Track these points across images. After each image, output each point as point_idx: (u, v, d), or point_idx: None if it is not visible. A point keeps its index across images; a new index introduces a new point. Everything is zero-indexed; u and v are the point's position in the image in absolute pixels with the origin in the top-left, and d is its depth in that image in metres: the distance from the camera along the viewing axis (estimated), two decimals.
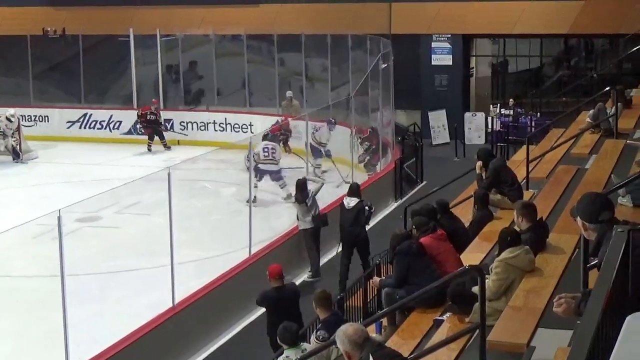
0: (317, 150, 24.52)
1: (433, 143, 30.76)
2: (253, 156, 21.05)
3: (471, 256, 11.55)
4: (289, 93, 30.57)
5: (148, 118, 28.97)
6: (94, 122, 31.78)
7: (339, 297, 14.15)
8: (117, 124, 31.54)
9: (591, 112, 16.91)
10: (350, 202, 17.72)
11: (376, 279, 12.54)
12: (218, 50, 32.78)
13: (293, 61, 32.09)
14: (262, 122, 27.83)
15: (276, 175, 22.22)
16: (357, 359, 6.55)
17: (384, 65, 25.83)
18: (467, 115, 31.18)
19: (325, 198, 19.33)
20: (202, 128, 30.88)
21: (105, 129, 31.71)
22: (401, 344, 9.55)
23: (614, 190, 9.79)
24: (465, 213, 14.08)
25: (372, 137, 25.28)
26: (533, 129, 26.37)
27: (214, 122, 30.84)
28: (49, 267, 13.95)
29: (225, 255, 17.71)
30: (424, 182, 25.10)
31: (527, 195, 13.57)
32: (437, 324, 9.92)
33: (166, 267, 14.91)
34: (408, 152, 25.93)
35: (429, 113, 31.37)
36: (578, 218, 6.22)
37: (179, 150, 28.87)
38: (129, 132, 31.26)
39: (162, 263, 15.29)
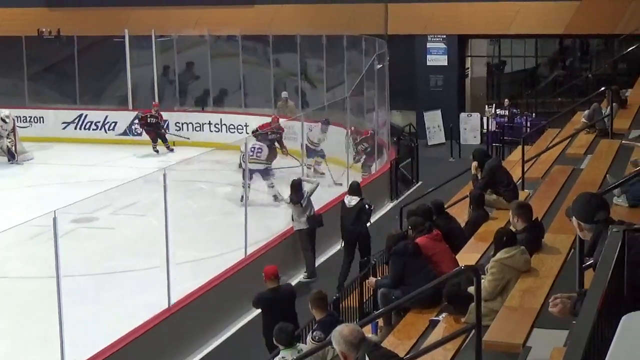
0: (311, 151, 24.53)
1: (428, 143, 30.77)
2: (242, 156, 21.14)
3: (467, 256, 11.56)
4: (284, 94, 30.58)
5: (149, 121, 28.83)
6: (89, 123, 31.74)
7: (335, 297, 14.13)
8: (113, 124, 31.50)
9: (586, 112, 16.92)
10: (352, 200, 17.78)
11: (372, 279, 12.55)
12: (213, 51, 32.76)
13: (288, 62, 32.09)
14: (258, 123, 27.79)
15: (265, 175, 22.20)
16: (353, 359, 6.55)
17: (379, 66, 25.83)
18: (463, 115, 31.20)
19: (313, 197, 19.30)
20: (198, 129, 30.85)
21: (100, 130, 31.67)
22: (397, 345, 9.56)
23: (609, 191, 9.80)
24: (460, 213, 14.08)
25: (370, 139, 25.27)
26: (528, 129, 26.42)
27: (209, 123, 30.82)
28: (44, 268, 13.93)
29: (220, 256, 17.71)
30: (420, 183, 25.11)
31: (522, 195, 13.58)
32: (433, 324, 9.93)
33: (162, 268, 14.91)
34: (404, 152, 25.94)
35: (424, 113, 31.37)
36: (573, 218, 6.22)
37: (175, 151, 28.83)
38: (125, 133, 31.24)
39: (158, 264, 15.29)
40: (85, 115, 31.85)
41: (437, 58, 31.83)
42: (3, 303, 16.06)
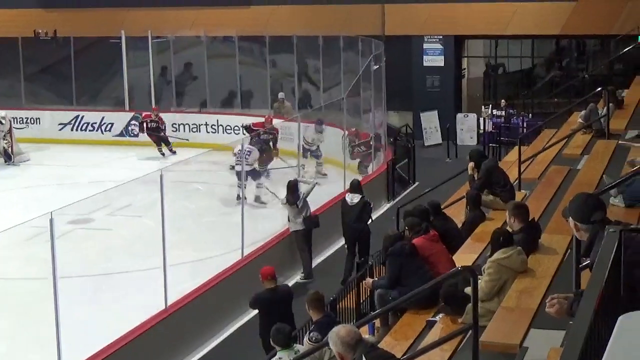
0: (305, 150, 24.53)
1: (425, 144, 30.78)
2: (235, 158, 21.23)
3: (464, 257, 11.56)
4: (281, 94, 30.58)
5: (148, 126, 28.68)
6: (86, 124, 31.72)
7: (332, 298, 14.13)
8: (109, 126, 31.48)
9: (583, 112, 16.92)
10: (354, 198, 17.86)
11: (369, 280, 12.55)
12: (209, 51, 32.75)
13: (285, 63, 32.09)
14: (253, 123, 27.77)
15: (253, 177, 22.14)
16: None
17: (376, 67, 25.83)
18: (459, 116, 31.21)
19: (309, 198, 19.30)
20: (194, 130, 30.84)
21: (97, 131, 31.65)
22: (394, 345, 9.56)
23: (605, 191, 9.80)
24: (457, 214, 14.09)
25: (368, 144, 25.26)
26: (525, 129, 26.40)
27: (206, 124, 30.82)
28: (42, 269, 13.92)
29: (217, 257, 17.71)
30: (417, 183, 25.12)
31: (519, 196, 13.58)
32: (430, 324, 9.94)
33: (158, 269, 14.90)
34: (400, 153, 25.95)
35: (421, 114, 31.39)
36: (570, 219, 6.23)
37: (165, 149, 28.77)
38: (121, 134, 31.22)
39: (155, 265, 15.28)
40: (82, 117, 31.83)
41: (434, 59, 31.85)
42: (1, 304, 16.04)
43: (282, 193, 18.91)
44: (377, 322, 11.08)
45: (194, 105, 33.16)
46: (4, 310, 15.74)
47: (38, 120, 32.09)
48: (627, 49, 27.81)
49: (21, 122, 31.53)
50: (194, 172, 24.44)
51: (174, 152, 28.63)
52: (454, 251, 11.94)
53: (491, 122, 29.30)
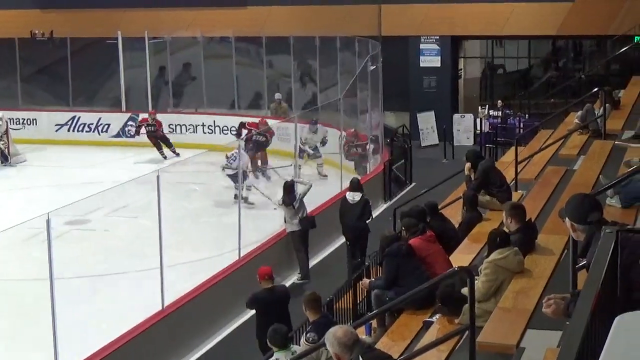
0: (301, 151, 24.52)
1: (422, 144, 30.77)
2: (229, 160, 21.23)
3: (460, 257, 11.57)
4: (277, 95, 30.58)
5: (148, 130, 28.54)
6: (83, 125, 31.70)
7: (328, 298, 14.13)
8: (106, 126, 31.47)
9: (579, 113, 16.94)
10: (355, 196, 17.93)
11: (366, 280, 12.56)
12: (206, 52, 32.75)
13: (282, 63, 32.09)
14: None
15: (235, 179, 22.07)
16: None
17: (372, 67, 25.84)
18: (456, 116, 31.23)
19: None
20: (191, 130, 30.83)
21: (93, 131, 31.63)
22: (391, 346, 9.57)
23: (602, 191, 9.81)
24: (454, 214, 14.11)
25: (365, 147, 25.26)
26: (522, 130, 26.41)
27: (203, 125, 30.81)
28: (38, 270, 13.91)
29: (214, 257, 17.71)
30: (413, 184, 25.12)
31: (515, 196, 13.59)
32: (427, 325, 9.94)
33: (155, 270, 14.91)
34: (397, 153, 25.95)
35: (417, 115, 31.38)
36: (567, 219, 6.23)
37: (168, 152, 28.77)
38: (118, 135, 31.20)
39: (152, 266, 15.28)
40: (79, 117, 31.82)
41: (431, 59, 31.85)
42: None
43: (279, 194, 18.90)
44: (374, 323, 11.10)
45: (192, 106, 33.13)
46: (1, 311, 15.73)
47: (35, 121, 32.07)
48: (623, 50, 27.83)
49: (18, 123, 31.52)
50: (191, 173, 24.44)
51: (177, 154, 28.36)
52: (451, 252, 11.95)
53: (488, 123, 29.29)
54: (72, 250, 18.20)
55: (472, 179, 14.11)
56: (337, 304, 14.20)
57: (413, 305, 10.52)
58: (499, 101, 30.20)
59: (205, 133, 30.60)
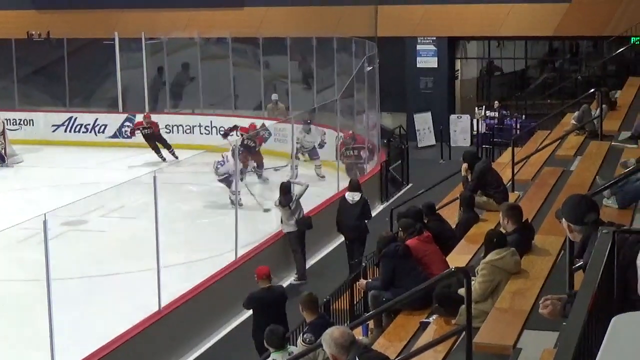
0: (297, 151, 24.52)
1: (419, 145, 30.78)
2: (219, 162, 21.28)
3: (457, 258, 11.57)
4: (274, 96, 30.57)
5: (143, 133, 28.46)
6: (79, 126, 31.68)
7: (325, 299, 14.13)
8: (103, 127, 31.43)
9: (576, 114, 16.94)
10: (354, 196, 17.97)
11: (362, 281, 12.56)
12: (203, 53, 32.73)
13: (278, 64, 32.09)
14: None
15: (227, 184, 22.07)
16: None
17: (369, 68, 25.84)
18: (453, 117, 31.24)
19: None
20: (188, 131, 30.81)
21: (90, 132, 31.60)
22: (388, 347, 9.57)
23: (599, 192, 9.81)
24: (451, 215, 14.10)
25: (362, 151, 25.24)
26: (518, 131, 26.43)
27: (200, 125, 30.80)
28: (35, 271, 13.91)
29: (211, 258, 17.70)
30: (410, 185, 25.12)
31: (512, 197, 13.60)
32: (424, 326, 9.94)
33: (152, 271, 14.89)
34: (394, 154, 25.94)
35: (414, 115, 31.40)
36: (563, 220, 6.23)
37: (167, 155, 28.73)
38: (115, 136, 31.18)
39: (148, 266, 15.27)
40: (75, 118, 31.78)
41: (427, 60, 31.87)
42: None
43: (274, 197, 18.92)
44: (371, 324, 11.09)
45: (190, 106, 33.12)
46: None
47: (31, 121, 32.05)
48: (620, 50, 27.84)
49: (14, 123, 31.47)
50: (188, 174, 24.43)
51: (176, 157, 28.09)
52: (448, 252, 11.95)
53: (484, 124, 29.31)
54: (69, 251, 18.19)
55: (469, 179, 14.11)
56: (334, 305, 14.20)
57: (410, 306, 10.52)
58: (496, 102, 30.22)
59: (202, 134, 30.58)
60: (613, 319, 3.86)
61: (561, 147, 15.85)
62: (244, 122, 26.88)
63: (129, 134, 29.70)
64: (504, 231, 9.96)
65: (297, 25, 31.63)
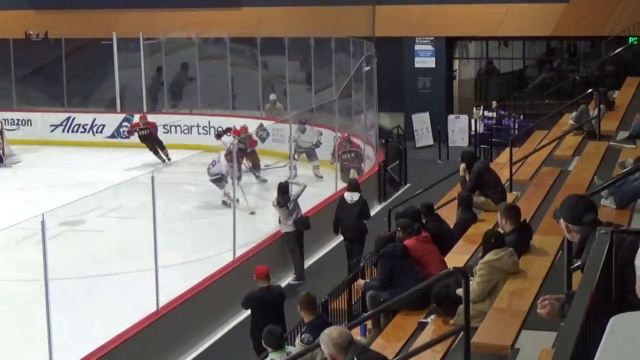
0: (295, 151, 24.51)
1: (417, 145, 30.78)
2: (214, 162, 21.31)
3: (455, 258, 11.57)
4: (272, 96, 30.56)
5: (140, 134, 28.40)
6: (77, 126, 31.68)
7: (323, 299, 14.14)
8: (101, 127, 31.44)
9: (574, 114, 16.93)
10: (353, 196, 17.98)
11: (360, 281, 12.55)
12: (201, 53, 32.72)
13: (276, 64, 32.08)
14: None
15: (217, 183, 22.07)
16: None
17: (367, 68, 25.84)
18: (451, 117, 31.24)
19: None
20: (186, 131, 30.80)
21: (88, 132, 31.60)
22: (386, 347, 9.56)
23: (597, 192, 9.82)
24: (449, 215, 14.09)
25: (359, 157, 25.21)
26: (516, 131, 26.42)
27: (198, 125, 30.79)
28: (33, 271, 13.91)
29: (209, 258, 17.70)
30: (408, 185, 25.12)
31: (510, 197, 13.59)
32: (422, 326, 9.94)
33: (150, 271, 14.89)
34: (392, 154, 25.95)
35: (412, 115, 31.41)
36: (561, 220, 6.24)
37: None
38: (113, 136, 31.17)
39: (146, 266, 15.27)
40: (73, 118, 31.78)
41: (425, 60, 31.88)
42: None
43: (273, 195, 18.92)
44: (369, 324, 11.09)
45: (189, 106, 33.10)
46: None
47: (29, 121, 32.05)
48: (618, 50, 27.83)
49: (12, 123, 31.48)
50: (186, 174, 24.43)
51: (169, 159, 28.07)
52: (446, 252, 11.95)
53: (482, 124, 29.32)
54: (67, 251, 18.18)
55: (467, 179, 14.11)
56: (332, 305, 14.20)
57: (408, 306, 10.52)
58: (494, 102, 30.23)
59: (200, 134, 30.57)
60: (611, 319, 3.86)
61: (559, 147, 15.84)
62: (242, 123, 26.89)
63: (126, 135, 29.69)
64: (502, 231, 9.96)
65: (295, 26, 31.63)
